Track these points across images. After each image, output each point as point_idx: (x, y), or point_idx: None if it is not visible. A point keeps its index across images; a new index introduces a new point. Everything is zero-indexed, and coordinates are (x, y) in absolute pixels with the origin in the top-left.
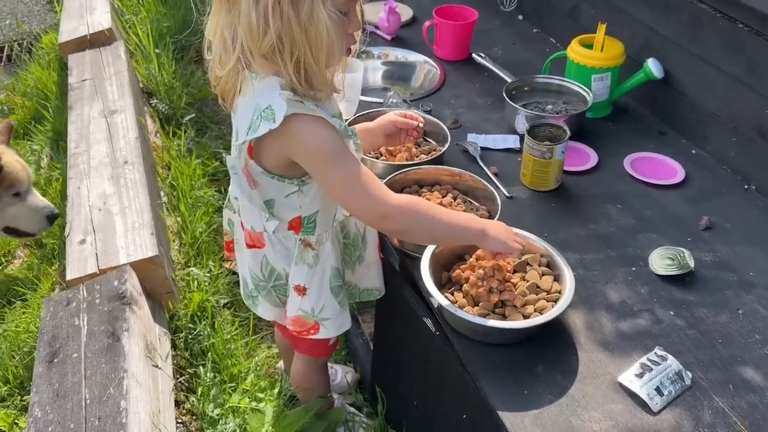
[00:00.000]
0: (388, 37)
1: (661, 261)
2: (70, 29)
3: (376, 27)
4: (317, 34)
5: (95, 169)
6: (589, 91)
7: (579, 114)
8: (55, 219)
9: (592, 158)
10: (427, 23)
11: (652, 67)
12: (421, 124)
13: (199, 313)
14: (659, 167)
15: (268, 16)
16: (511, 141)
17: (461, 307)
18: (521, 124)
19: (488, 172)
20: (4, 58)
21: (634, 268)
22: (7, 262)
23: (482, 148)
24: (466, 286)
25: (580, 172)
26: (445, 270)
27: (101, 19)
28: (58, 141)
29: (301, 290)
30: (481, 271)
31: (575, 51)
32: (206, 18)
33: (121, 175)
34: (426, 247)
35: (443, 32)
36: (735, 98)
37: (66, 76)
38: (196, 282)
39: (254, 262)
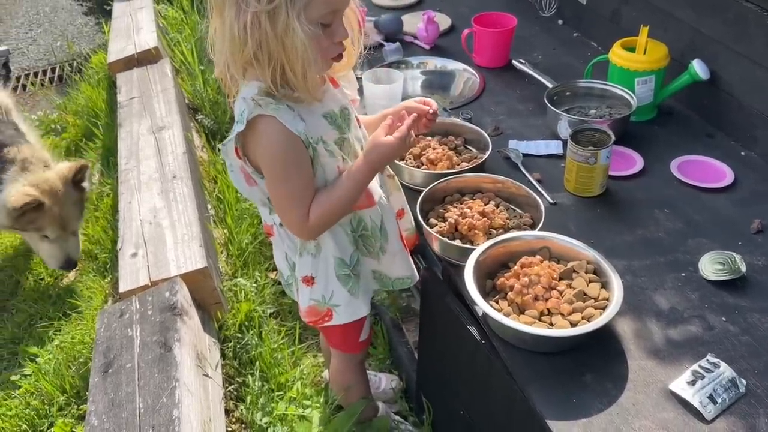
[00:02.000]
0: (427, 47)
1: (711, 266)
2: (118, 49)
3: (415, 37)
4: (293, 46)
5: (145, 184)
6: (632, 95)
7: (623, 118)
8: (73, 266)
9: (637, 162)
10: (465, 31)
11: (698, 68)
12: (433, 110)
13: (246, 323)
14: (707, 170)
15: (248, 28)
16: (553, 147)
17: (507, 316)
18: (564, 130)
19: (531, 179)
20: (56, 79)
21: (683, 274)
22: (62, 275)
23: (524, 155)
24: (511, 294)
25: (625, 177)
26: (489, 278)
27: (147, 39)
28: (109, 157)
29: (309, 280)
30: (526, 279)
31: (617, 54)
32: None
33: (170, 189)
34: (469, 255)
35: (482, 40)
36: None
37: (115, 94)
38: (243, 292)
39: (280, 252)
